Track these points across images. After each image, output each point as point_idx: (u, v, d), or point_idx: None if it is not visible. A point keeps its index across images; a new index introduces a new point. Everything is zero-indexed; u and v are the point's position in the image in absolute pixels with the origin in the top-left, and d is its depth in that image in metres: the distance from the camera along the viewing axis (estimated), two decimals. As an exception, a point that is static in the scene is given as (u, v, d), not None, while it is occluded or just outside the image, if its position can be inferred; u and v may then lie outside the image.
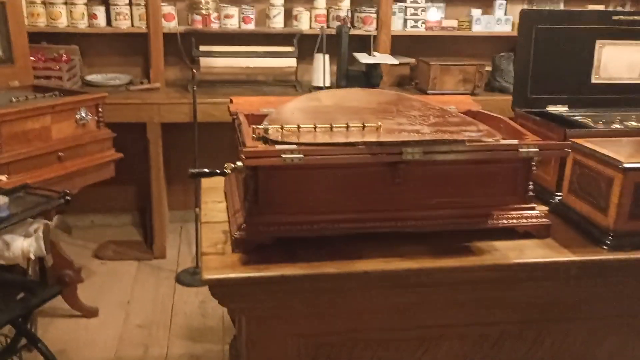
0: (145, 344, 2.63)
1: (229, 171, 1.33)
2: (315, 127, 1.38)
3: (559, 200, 1.62)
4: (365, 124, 1.39)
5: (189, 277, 3.20)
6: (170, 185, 3.79)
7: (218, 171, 1.36)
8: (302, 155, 1.22)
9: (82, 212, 3.76)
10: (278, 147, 1.25)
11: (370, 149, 1.28)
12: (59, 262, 2.70)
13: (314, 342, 1.39)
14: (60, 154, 2.61)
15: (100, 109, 2.79)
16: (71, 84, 3.26)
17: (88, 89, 3.28)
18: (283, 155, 1.21)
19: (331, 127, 1.38)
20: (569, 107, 1.89)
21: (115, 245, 3.59)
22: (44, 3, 3.40)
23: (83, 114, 2.70)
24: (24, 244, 1.93)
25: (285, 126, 1.38)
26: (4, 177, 2.18)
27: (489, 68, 3.72)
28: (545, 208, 1.62)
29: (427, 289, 1.35)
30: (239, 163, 1.31)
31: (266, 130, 1.36)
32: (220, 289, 1.26)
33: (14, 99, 2.60)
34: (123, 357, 2.53)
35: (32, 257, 1.95)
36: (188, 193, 3.68)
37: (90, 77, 3.51)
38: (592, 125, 1.77)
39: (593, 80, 1.92)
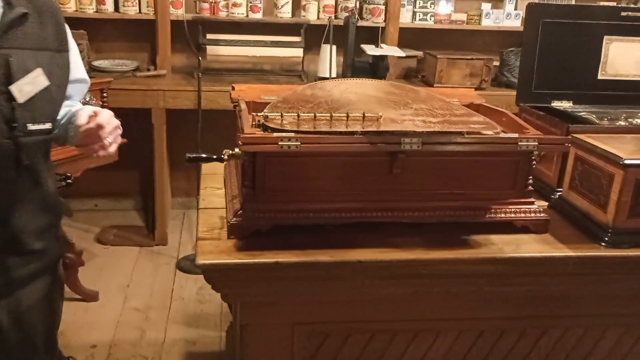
0: (143, 327, 2.64)
1: (226, 157, 1.33)
2: (315, 116, 1.37)
3: (559, 196, 1.60)
4: (367, 114, 1.39)
5: (189, 264, 3.20)
6: (174, 172, 3.79)
7: (215, 157, 1.36)
8: (299, 143, 1.21)
9: (86, 196, 3.77)
10: (275, 134, 1.25)
11: (368, 138, 1.27)
12: (61, 245, 2.71)
13: (308, 330, 1.39)
14: (63, 137, 2.61)
15: (105, 94, 2.80)
16: (78, 68, 3.26)
17: (95, 74, 3.28)
18: (280, 142, 1.21)
19: (331, 117, 1.38)
20: (573, 103, 1.87)
21: (117, 230, 3.60)
22: (52, -14, 3.40)
23: (87, 99, 2.70)
24: (24, 225, 1.93)
25: (285, 114, 1.37)
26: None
27: (496, 63, 3.68)
28: (545, 203, 1.61)
29: (421, 281, 1.34)
30: (237, 149, 1.31)
31: (266, 118, 1.36)
32: (214, 274, 1.26)
33: (19, 81, 2.61)
34: (121, 340, 2.54)
35: (32, 238, 1.95)
36: (191, 180, 3.68)
37: (98, 63, 3.51)
38: (597, 121, 1.75)
39: (599, 77, 1.89)
